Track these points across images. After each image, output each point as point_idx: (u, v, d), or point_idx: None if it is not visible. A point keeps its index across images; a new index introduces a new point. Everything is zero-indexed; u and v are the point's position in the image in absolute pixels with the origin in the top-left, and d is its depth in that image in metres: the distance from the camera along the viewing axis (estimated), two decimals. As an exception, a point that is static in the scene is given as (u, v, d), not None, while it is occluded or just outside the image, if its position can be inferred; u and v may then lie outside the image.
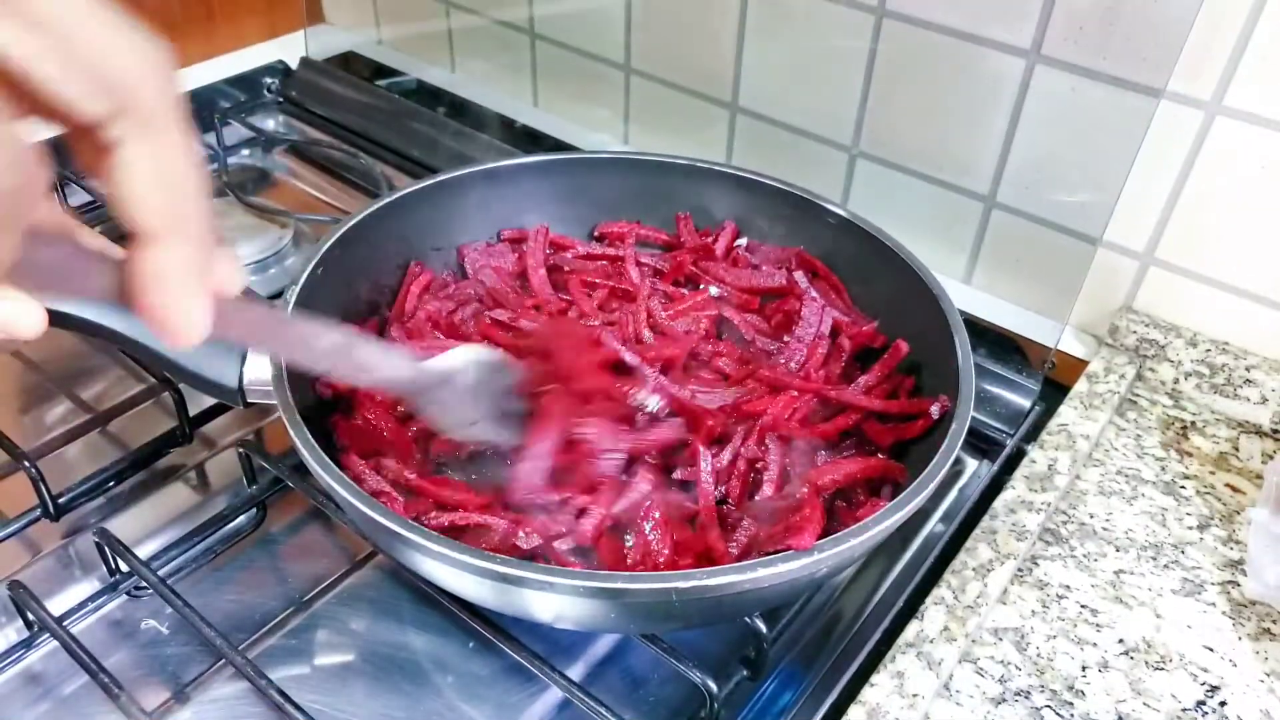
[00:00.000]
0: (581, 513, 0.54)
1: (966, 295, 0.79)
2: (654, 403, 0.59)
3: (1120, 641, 0.55)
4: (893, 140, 0.78)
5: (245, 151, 1.01)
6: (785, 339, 0.67)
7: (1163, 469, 0.66)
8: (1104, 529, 0.62)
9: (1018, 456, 0.67)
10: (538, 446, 0.55)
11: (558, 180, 0.73)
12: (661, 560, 0.52)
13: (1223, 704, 0.52)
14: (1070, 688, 0.53)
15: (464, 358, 0.54)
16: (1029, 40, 0.68)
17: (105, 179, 0.29)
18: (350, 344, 0.45)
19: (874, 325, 0.66)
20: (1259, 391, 0.69)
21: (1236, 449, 0.68)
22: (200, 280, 0.30)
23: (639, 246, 0.75)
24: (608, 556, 0.53)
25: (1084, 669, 0.54)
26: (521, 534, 0.52)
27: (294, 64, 1.10)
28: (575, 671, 0.56)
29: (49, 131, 0.28)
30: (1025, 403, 0.72)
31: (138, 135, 0.28)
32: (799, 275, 0.70)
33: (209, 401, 0.65)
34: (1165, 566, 0.59)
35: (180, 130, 0.29)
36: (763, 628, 0.52)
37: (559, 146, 0.97)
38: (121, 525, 0.62)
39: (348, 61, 1.14)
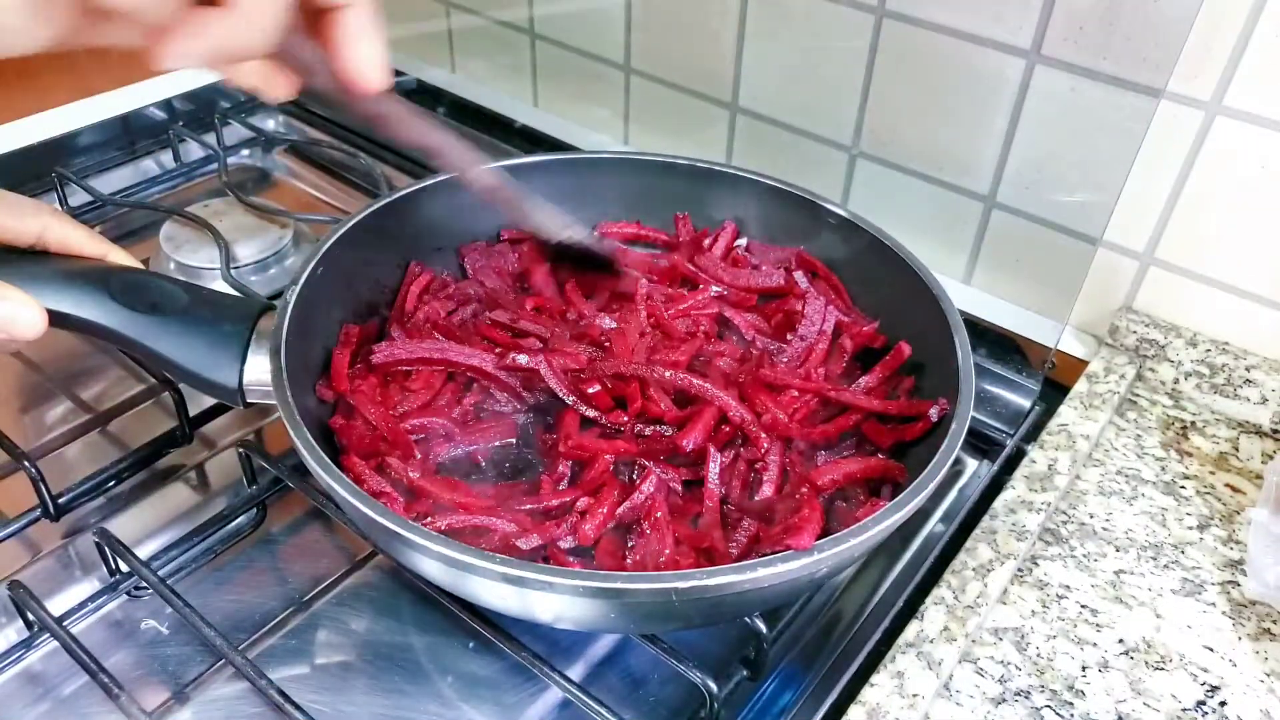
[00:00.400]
0: (583, 513, 0.54)
1: (966, 295, 0.79)
2: None
3: (1120, 641, 0.55)
4: (893, 140, 0.78)
5: (245, 151, 1.01)
6: (788, 338, 0.67)
7: (1163, 469, 0.66)
8: (1104, 529, 0.62)
9: (1018, 456, 0.67)
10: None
11: (558, 180, 0.72)
12: (662, 560, 0.52)
13: (1223, 704, 0.52)
14: (1070, 688, 0.53)
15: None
16: (1029, 40, 0.68)
17: None
18: (450, 143, 0.52)
19: (875, 325, 0.66)
20: (1259, 391, 0.69)
21: (1236, 449, 0.68)
22: (378, 36, 0.42)
23: (639, 246, 0.75)
24: (608, 557, 0.53)
25: (1084, 669, 0.54)
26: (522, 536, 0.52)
27: (294, 64, 1.10)
28: (575, 671, 0.56)
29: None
30: (1025, 403, 0.72)
31: None
32: (799, 275, 0.70)
33: (209, 401, 0.65)
34: (1165, 566, 0.59)
35: None
36: (763, 628, 0.52)
37: (559, 146, 0.97)
38: (121, 525, 0.62)
39: (348, 61, 1.14)
